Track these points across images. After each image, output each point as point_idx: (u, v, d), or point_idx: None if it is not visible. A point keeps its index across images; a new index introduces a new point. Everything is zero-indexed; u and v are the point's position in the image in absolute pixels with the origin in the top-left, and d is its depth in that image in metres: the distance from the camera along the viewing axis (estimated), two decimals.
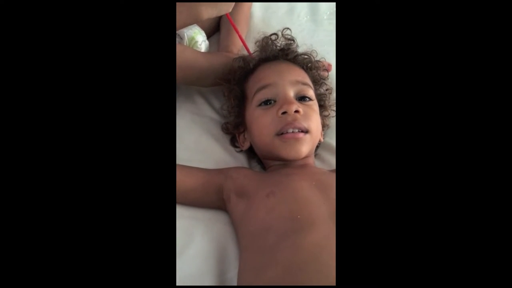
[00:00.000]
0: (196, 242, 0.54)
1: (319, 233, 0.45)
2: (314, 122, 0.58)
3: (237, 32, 0.69)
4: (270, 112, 0.57)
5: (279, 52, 0.64)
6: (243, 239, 0.52)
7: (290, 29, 0.68)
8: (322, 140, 0.64)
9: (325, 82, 0.68)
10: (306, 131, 0.56)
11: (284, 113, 0.56)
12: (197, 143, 0.65)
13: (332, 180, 0.54)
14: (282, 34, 0.67)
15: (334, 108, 0.67)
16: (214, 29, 0.85)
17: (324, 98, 0.66)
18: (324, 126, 0.66)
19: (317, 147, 0.64)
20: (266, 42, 0.66)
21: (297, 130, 0.55)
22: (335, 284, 0.38)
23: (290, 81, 0.59)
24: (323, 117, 0.64)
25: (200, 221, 0.56)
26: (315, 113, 0.59)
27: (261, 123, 0.57)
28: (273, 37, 0.67)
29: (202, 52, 0.71)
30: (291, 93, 0.58)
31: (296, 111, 0.56)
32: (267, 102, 0.58)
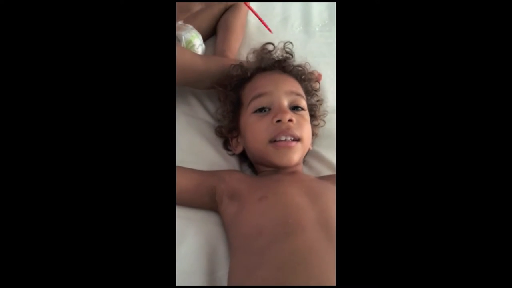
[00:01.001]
0: (188, 241, 0.56)
1: (308, 236, 0.48)
2: (305, 131, 0.61)
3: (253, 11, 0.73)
4: (265, 119, 0.60)
5: (276, 64, 0.67)
6: (234, 240, 0.54)
7: (292, 43, 0.71)
8: (311, 148, 0.67)
9: (316, 93, 0.71)
10: (298, 139, 0.59)
11: (278, 121, 0.59)
12: (190, 144, 0.67)
13: (319, 187, 0.57)
14: (284, 47, 0.70)
15: (324, 118, 0.71)
16: (211, 33, 0.87)
17: (314, 109, 0.69)
18: (313, 134, 0.69)
19: (306, 154, 0.68)
20: (264, 52, 0.69)
21: (289, 138, 0.59)
22: (326, 284, 0.42)
23: (285, 92, 0.62)
24: (313, 126, 0.68)
25: (192, 221, 0.58)
26: (306, 122, 0.62)
27: (256, 129, 0.60)
28: (270, 47, 0.70)
29: (201, 55, 0.73)
30: (285, 102, 0.61)
31: (290, 120, 0.59)
32: (262, 110, 0.61)
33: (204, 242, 0.57)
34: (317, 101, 0.71)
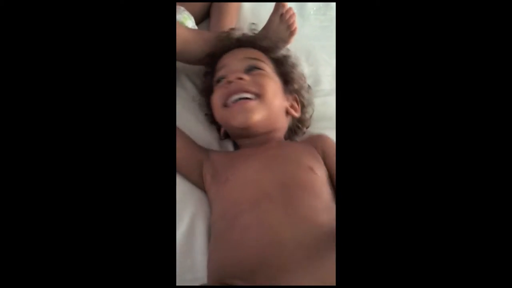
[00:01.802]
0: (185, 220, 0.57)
1: (262, 210, 0.50)
2: (266, 87, 0.59)
3: None
4: (220, 86, 0.61)
5: (236, 42, 0.68)
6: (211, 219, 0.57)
7: (256, 24, 0.73)
8: (296, 115, 0.65)
9: (299, 80, 0.69)
10: (256, 95, 0.58)
11: (229, 82, 0.59)
12: (185, 127, 0.67)
13: (289, 148, 0.59)
14: (250, 29, 0.71)
15: (313, 107, 0.70)
16: (204, 16, 0.87)
17: (302, 95, 0.68)
18: (307, 120, 0.69)
19: (295, 131, 0.67)
20: (228, 38, 0.69)
21: (244, 96, 0.58)
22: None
23: (239, 59, 0.63)
24: (305, 112, 0.68)
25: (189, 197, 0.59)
26: (267, 78, 0.61)
27: (214, 99, 0.62)
28: (233, 31, 0.70)
29: (184, 27, 0.71)
30: (238, 66, 0.62)
31: (240, 78, 0.59)
32: (219, 80, 0.63)
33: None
34: (302, 86, 0.69)
